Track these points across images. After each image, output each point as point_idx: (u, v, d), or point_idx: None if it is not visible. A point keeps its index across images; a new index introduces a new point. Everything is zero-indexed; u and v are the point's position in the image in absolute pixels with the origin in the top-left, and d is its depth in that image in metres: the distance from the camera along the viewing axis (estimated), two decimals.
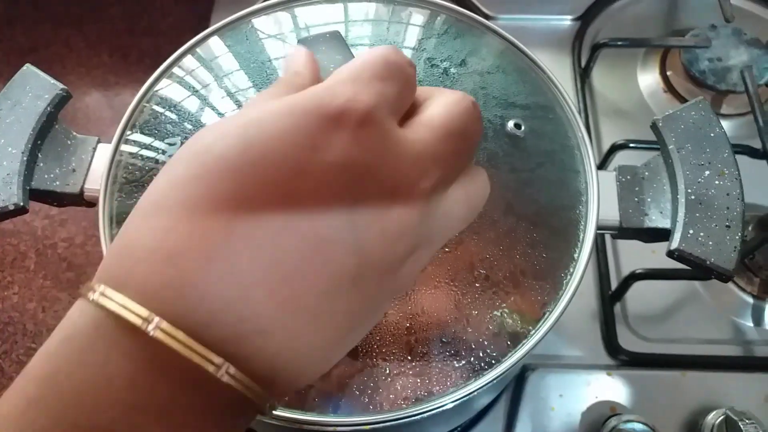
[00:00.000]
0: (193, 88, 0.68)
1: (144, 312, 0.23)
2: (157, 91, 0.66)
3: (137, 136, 0.66)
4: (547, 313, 0.68)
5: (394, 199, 0.26)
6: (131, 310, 0.23)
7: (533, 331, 0.66)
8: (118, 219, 0.63)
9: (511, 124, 0.62)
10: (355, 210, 0.25)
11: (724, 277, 0.56)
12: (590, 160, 0.62)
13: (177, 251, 0.24)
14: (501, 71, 0.67)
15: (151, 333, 0.23)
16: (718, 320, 0.87)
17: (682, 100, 1.02)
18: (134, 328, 0.23)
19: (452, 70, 0.68)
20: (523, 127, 0.62)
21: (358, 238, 0.25)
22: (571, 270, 0.59)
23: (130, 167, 0.66)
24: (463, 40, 0.67)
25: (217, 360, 0.24)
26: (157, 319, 0.23)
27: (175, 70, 0.67)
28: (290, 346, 0.25)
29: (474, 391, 0.53)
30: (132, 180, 0.66)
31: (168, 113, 0.71)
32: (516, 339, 0.67)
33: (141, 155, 0.68)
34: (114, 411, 0.23)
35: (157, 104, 0.66)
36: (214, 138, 0.25)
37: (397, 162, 0.26)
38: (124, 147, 0.64)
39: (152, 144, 0.71)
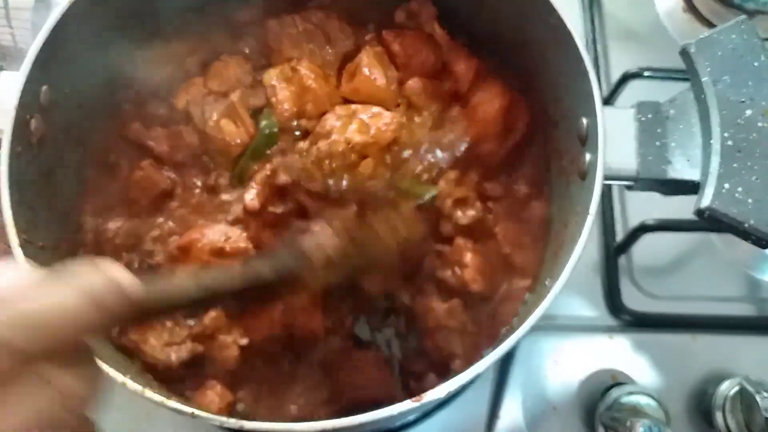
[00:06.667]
0: None
1: None
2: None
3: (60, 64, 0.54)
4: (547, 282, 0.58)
5: None
6: None
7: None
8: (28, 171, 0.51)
9: None
10: None
11: (765, 242, 0.45)
12: (596, 96, 0.51)
13: None
14: None
15: None
16: (733, 275, 0.77)
17: (704, 21, 0.89)
18: None
19: None
20: None
21: None
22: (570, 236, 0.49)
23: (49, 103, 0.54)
24: None
25: None
26: None
27: None
28: None
29: None
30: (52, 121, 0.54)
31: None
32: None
33: (65, 88, 0.56)
34: None
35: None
36: None
37: None
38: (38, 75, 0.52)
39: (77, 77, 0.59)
